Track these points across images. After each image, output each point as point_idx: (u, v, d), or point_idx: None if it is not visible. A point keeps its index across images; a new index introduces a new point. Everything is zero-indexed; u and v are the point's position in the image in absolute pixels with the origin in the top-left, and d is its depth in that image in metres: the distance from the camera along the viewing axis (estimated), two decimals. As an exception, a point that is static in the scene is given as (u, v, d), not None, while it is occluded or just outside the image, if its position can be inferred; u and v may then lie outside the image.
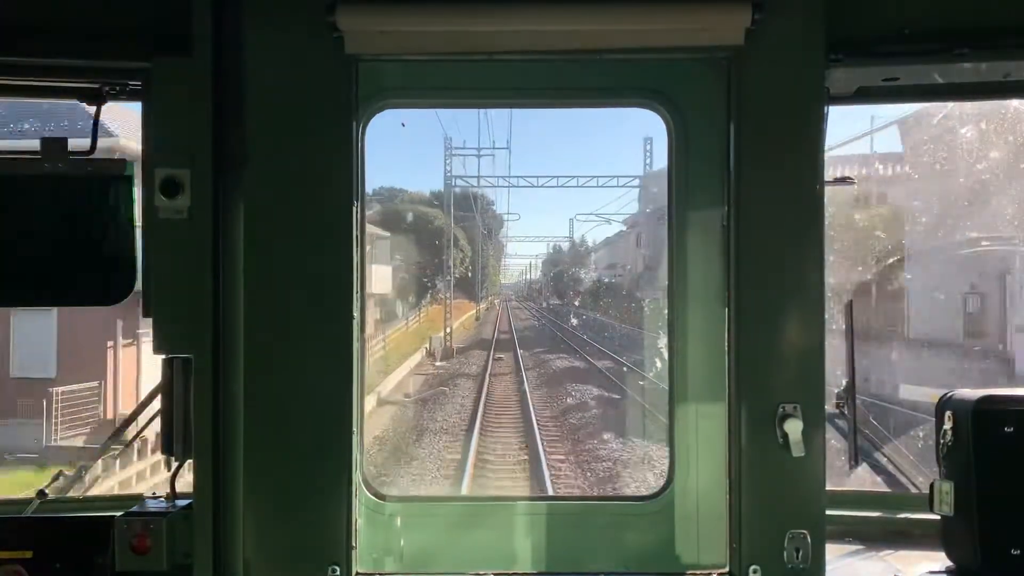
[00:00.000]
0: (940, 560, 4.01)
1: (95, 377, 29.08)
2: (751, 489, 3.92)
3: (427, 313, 50.28)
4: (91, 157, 4.21)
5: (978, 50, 3.99)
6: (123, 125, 17.69)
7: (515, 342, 48.18)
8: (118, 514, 3.86)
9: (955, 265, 24.63)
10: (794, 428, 3.82)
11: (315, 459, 3.94)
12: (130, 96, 4.28)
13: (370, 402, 27.54)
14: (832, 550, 4.11)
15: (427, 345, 42.42)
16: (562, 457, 22.99)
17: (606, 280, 62.07)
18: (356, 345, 4.02)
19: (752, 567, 3.90)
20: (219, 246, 3.90)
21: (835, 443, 4.77)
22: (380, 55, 4.06)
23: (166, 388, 3.90)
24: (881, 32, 4.03)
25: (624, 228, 56.83)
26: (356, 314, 4.02)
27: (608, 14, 3.88)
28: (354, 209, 4.01)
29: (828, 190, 4.02)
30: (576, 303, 62.73)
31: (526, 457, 23.22)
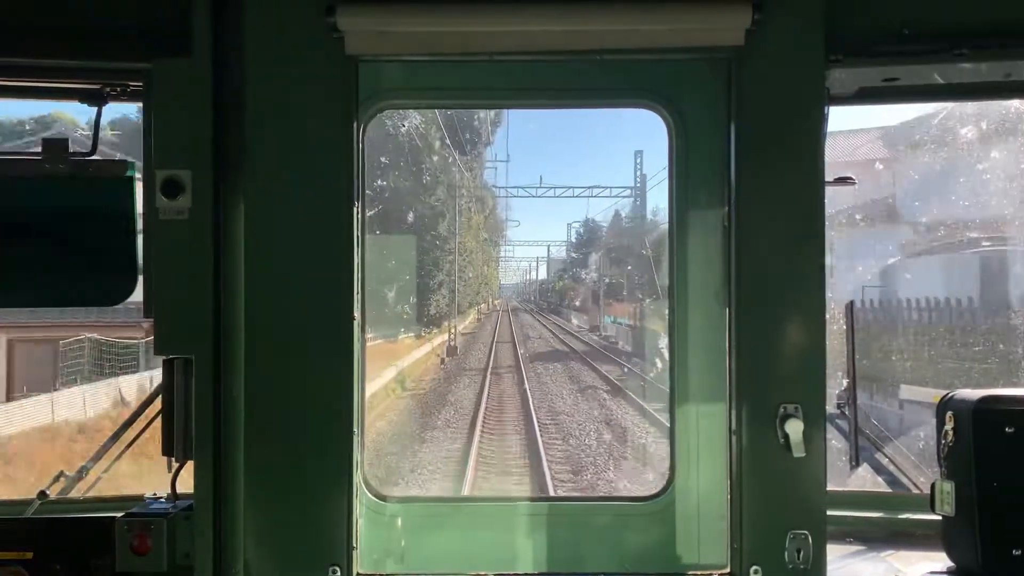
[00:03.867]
0: (941, 560, 4.00)
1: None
2: (752, 489, 3.91)
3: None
4: (92, 158, 4.22)
5: (978, 50, 3.99)
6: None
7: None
8: (119, 515, 3.86)
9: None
10: (795, 428, 3.82)
11: (316, 460, 3.94)
12: (130, 97, 4.29)
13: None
14: (833, 550, 4.10)
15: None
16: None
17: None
18: (356, 345, 4.01)
19: (753, 567, 3.89)
20: (220, 247, 3.90)
21: (835, 443, 4.77)
22: (380, 56, 4.06)
23: (166, 389, 3.90)
24: (881, 32, 4.03)
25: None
26: (356, 314, 4.02)
27: (608, 14, 3.88)
28: (354, 209, 4.01)
29: (828, 190, 4.02)
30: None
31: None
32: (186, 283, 3.85)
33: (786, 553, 3.87)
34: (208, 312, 3.84)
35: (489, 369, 30.71)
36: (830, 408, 4.14)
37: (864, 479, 5.33)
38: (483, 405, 22.33)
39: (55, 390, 26.82)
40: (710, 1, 3.87)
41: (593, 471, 16.65)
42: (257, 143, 3.95)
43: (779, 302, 3.93)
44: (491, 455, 17.31)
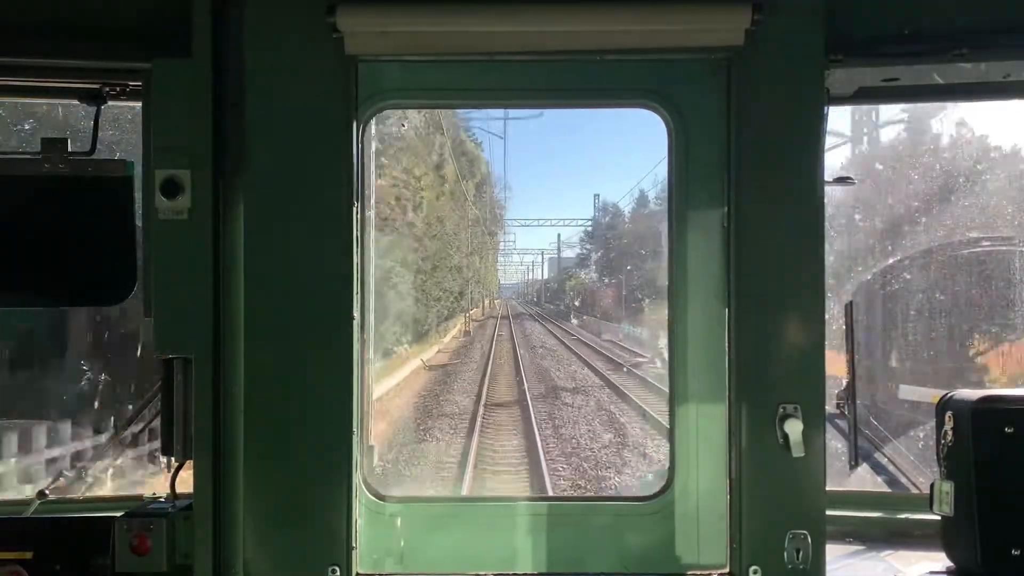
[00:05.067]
0: (940, 560, 4.01)
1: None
2: (751, 489, 3.92)
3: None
4: (91, 158, 4.22)
5: (978, 50, 4.00)
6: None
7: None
8: (118, 515, 3.86)
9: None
10: (794, 428, 3.82)
11: (315, 459, 3.94)
12: (130, 96, 4.28)
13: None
14: (832, 550, 4.11)
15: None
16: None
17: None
18: (356, 345, 4.02)
19: (752, 567, 3.90)
20: (219, 247, 3.90)
21: (835, 443, 4.78)
22: (380, 56, 4.06)
23: (166, 388, 3.90)
24: (881, 32, 4.03)
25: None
26: (356, 314, 4.02)
27: (608, 15, 3.88)
28: (354, 209, 4.01)
29: (828, 190, 4.02)
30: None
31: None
32: (185, 283, 3.85)
33: (785, 553, 3.87)
34: (207, 312, 3.84)
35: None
36: (829, 408, 4.15)
37: (863, 479, 5.34)
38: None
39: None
40: (710, 1, 3.87)
41: None
42: (257, 143, 3.95)
43: (779, 302, 3.93)
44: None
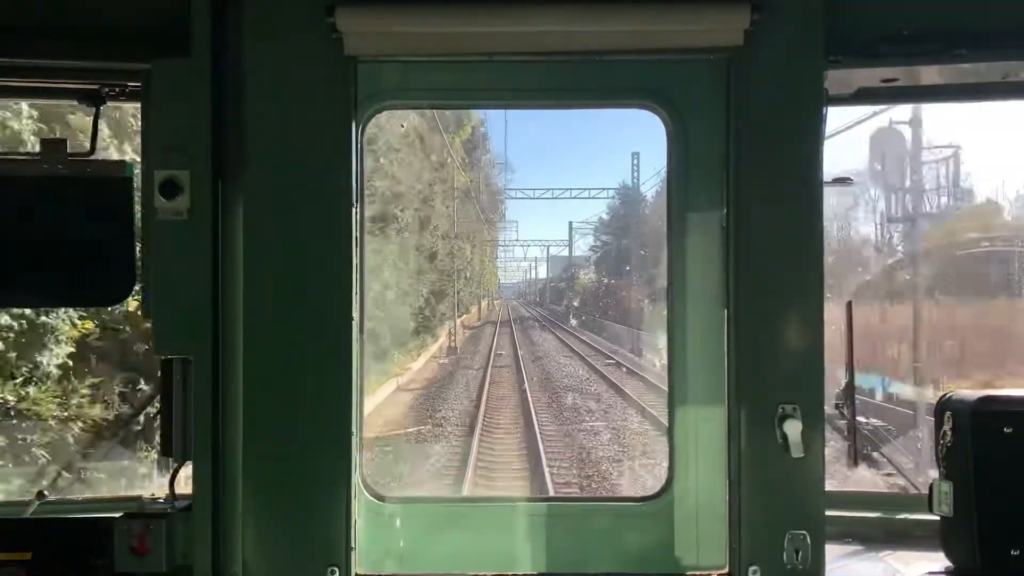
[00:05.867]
0: (939, 561, 4.01)
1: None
2: (751, 490, 3.92)
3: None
4: (90, 158, 4.22)
5: (977, 50, 4.00)
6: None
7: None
8: (117, 515, 3.86)
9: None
10: (793, 429, 3.82)
11: (315, 460, 3.94)
12: (129, 97, 4.28)
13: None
14: (832, 550, 4.11)
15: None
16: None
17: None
18: (356, 346, 4.02)
19: (752, 568, 3.90)
20: (219, 247, 3.90)
21: (834, 443, 4.78)
22: (379, 56, 4.07)
23: (165, 389, 3.90)
24: (880, 33, 4.04)
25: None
26: (356, 315, 4.03)
27: (607, 15, 3.89)
28: (353, 210, 4.01)
29: (827, 190, 4.03)
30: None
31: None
32: (185, 283, 3.85)
33: (785, 553, 3.88)
34: (207, 313, 3.85)
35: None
36: (828, 408, 4.15)
37: (863, 479, 5.34)
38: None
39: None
40: (710, 1, 3.87)
41: None
42: (256, 143, 3.95)
43: (778, 302, 3.94)
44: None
